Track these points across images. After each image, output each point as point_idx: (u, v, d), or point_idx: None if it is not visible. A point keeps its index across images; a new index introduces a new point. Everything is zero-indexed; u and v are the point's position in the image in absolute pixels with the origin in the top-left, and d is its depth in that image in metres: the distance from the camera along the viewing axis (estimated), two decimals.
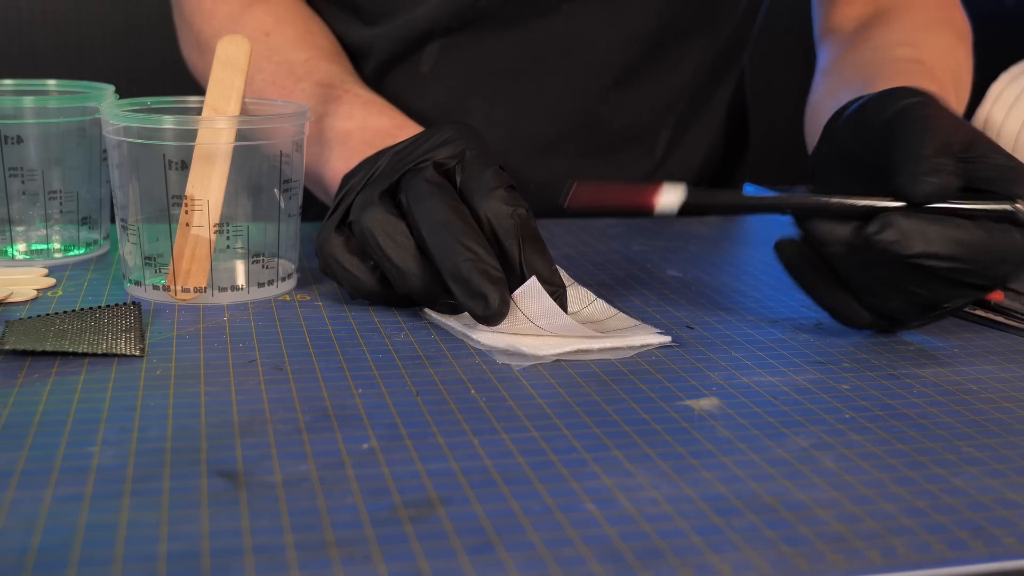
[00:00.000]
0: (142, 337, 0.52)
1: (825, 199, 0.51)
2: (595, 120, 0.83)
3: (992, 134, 0.80)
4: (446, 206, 0.53)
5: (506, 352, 0.52)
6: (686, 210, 0.44)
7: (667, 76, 0.83)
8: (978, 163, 0.52)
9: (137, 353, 0.50)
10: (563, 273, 0.61)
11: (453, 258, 0.51)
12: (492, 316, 0.51)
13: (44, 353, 0.50)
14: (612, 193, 0.40)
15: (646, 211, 0.40)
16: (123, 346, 0.51)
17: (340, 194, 0.58)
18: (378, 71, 0.82)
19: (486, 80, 0.81)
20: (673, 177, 0.83)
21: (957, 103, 0.74)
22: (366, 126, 0.68)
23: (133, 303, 0.57)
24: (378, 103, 0.70)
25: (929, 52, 0.75)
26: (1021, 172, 0.52)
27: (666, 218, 0.42)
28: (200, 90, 0.66)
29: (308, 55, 0.75)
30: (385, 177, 0.56)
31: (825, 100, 0.77)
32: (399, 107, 0.74)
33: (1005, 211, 0.50)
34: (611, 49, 0.81)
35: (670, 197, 0.39)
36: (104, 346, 0.50)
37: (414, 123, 0.69)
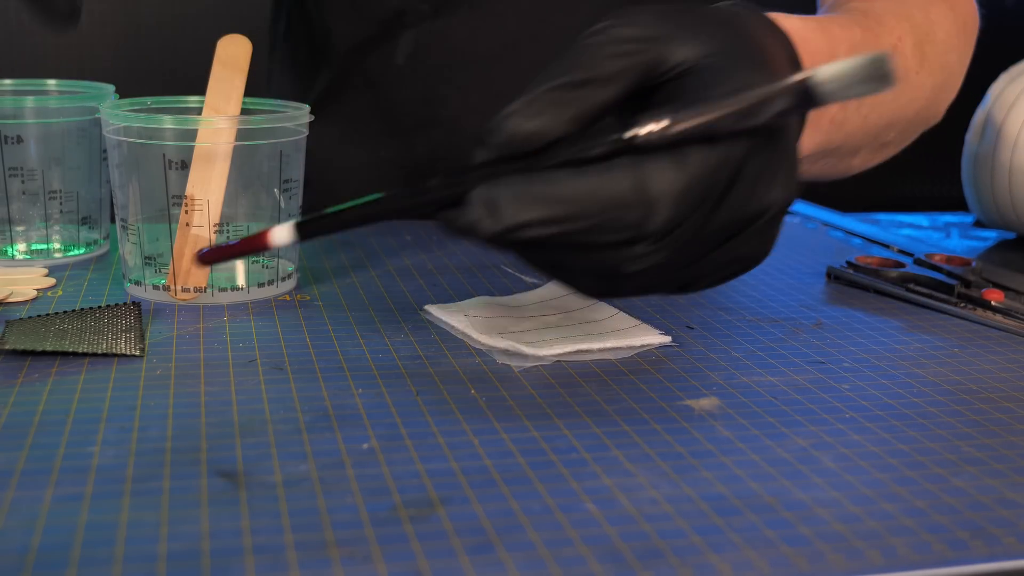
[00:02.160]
0: (142, 337, 0.52)
1: (410, 192, 0.41)
2: None
3: (992, 134, 0.80)
4: None
5: (506, 352, 0.52)
6: (305, 236, 0.42)
7: None
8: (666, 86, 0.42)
9: (137, 353, 0.50)
10: None
11: None
12: None
13: (44, 353, 0.50)
14: (235, 247, 0.44)
15: (266, 248, 0.42)
16: (123, 346, 0.51)
17: None
18: (351, 55, 0.82)
19: (461, 69, 0.81)
20: None
21: (919, 62, 0.62)
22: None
23: (133, 303, 0.57)
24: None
25: (881, 3, 0.63)
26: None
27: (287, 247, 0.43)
28: (201, 89, 0.66)
29: None
30: None
31: None
32: (374, 97, 0.73)
33: (618, 141, 0.39)
34: (581, 30, 0.80)
35: (281, 232, 0.41)
36: (104, 346, 0.50)
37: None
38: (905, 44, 0.61)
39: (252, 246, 0.43)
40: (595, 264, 0.41)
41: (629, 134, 0.39)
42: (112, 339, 0.51)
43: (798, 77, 0.38)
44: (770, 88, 0.39)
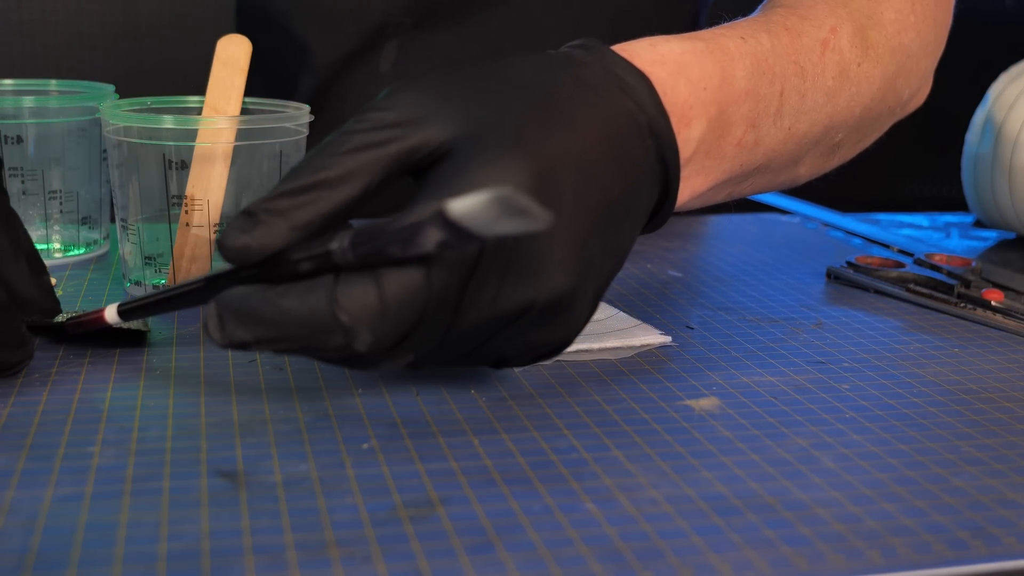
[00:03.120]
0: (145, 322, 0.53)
1: (172, 290, 0.43)
2: None
3: (992, 134, 0.80)
4: None
5: None
6: (126, 315, 0.48)
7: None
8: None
9: (143, 327, 0.51)
10: None
11: None
12: None
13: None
14: (85, 323, 0.50)
15: (105, 326, 0.48)
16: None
17: None
18: (333, 67, 0.82)
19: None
20: None
21: (862, 53, 0.55)
22: None
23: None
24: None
25: None
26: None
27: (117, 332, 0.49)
28: (201, 89, 0.66)
29: None
30: None
31: None
32: (356, 107, 0.72)
33: (323, 254, 0.37)
34: (566, 38, 0.80)
35: (111, 311, 0.48)
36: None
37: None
38: (840, 35, 0.55)
39: (96, 323, 0.49)
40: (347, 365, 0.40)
41: (328, 249, 0.37)
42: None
43: (439, 210, 0.34)
44: (414, 221, 0.35)
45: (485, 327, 0.39)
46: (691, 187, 0.49)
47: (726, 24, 0.53)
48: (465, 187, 0.37)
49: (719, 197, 0.54)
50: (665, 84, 0.45)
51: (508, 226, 0.33)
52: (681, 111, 0.46)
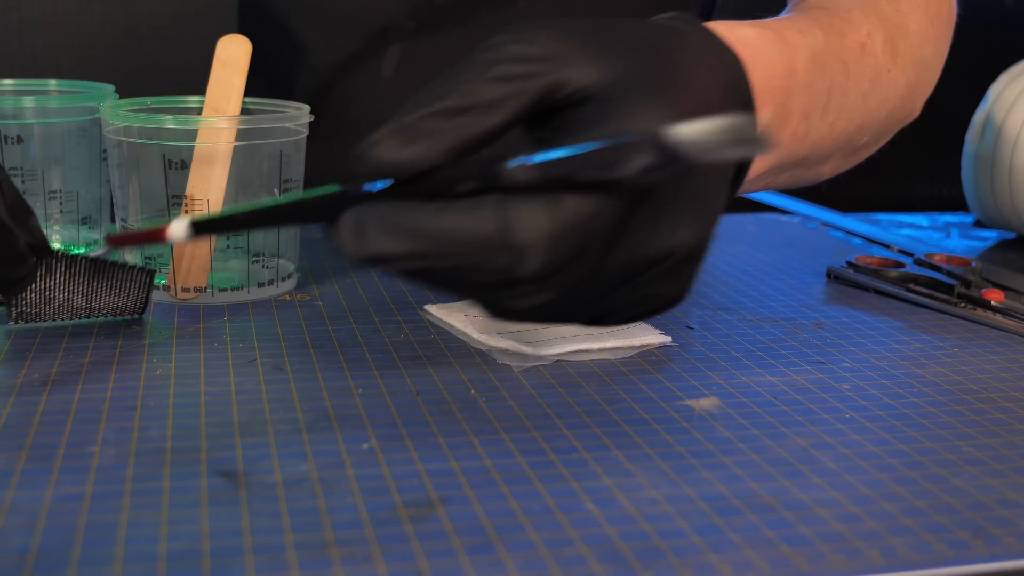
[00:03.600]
0: (147, 300, 0.54)
1: (295, 204, 0.39)
2: None
3: (992, 134, 0.80)
4: None
5: (506, 352, 0.52)
6: (199, 233, 0.40)
7: None
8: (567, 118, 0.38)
9: (137, 315, 0.53)
10: None
11: None
12: None
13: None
14: (138, 235, 0.46)
15: (162, 240, 0.40)
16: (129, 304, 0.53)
17: None
18: (334, 69, 0.82)
19: None
20: None
21: (892, 59, 0.58)
22: None
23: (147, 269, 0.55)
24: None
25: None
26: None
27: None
28: (201, 89, 0.66)
29: None
30: None
31: None
32: (359, 110, 0.72)
33: (486, 176, 0.36)
34: None
35: (177, 228, 0.40)
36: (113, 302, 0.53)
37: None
38: (875, 41, 0.57)
39: (152, 238, 0.42)
40: (477, 298, 0.38)
41: (497, 170, 0.35)
42: (118, 298, 0.53)
43: (655, 134, 0.33)
44: (625, 143, 0.34)
45: (626, 271, 0.38)
46: (751, 170, 0.49)
47: (781, 17, 0.54)
48: (618, 129, 0.36)
49: (758, 186, 0.54)
50: (746, 66, 0.45)
51: (728, 153, 0.33)
52: (756, 94, 0.46)
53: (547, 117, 0.39)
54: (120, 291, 0.53)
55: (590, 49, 0.39)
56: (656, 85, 0.39)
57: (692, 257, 0.39)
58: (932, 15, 0.62)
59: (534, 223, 0.35)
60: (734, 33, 0.47)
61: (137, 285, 0.54)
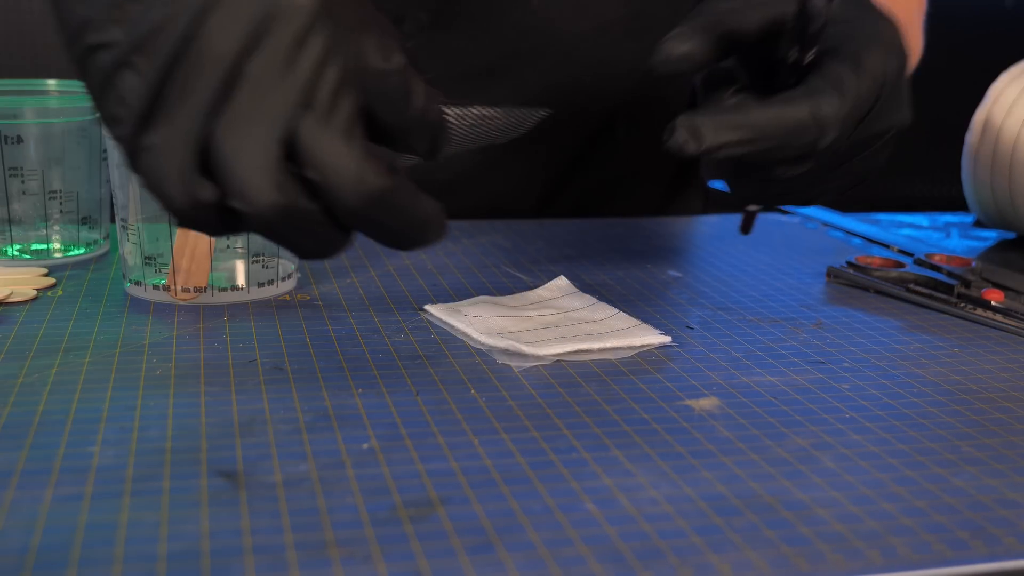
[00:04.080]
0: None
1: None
2: (567, 113, 0.83)
3: (992, 134, 0.80)
4: None
5: (506, 352, 0.52)
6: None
7: (639, 63, 0.83)
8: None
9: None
10: (565, 282, 0.61)
11: None
12: None
13: None
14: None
15: None
16: None
17: None
18: None
19: (461, 81, 0.81)
20: (639, 159, 0.84)
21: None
22: None
23: None
24: None
25: None
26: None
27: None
28: None
29: None
30: None
31: None
32: None
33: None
34: (583, 41, 0.81)
35: None
36: None
37: None
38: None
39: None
40: (763, 173, 0.52)
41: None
42: None
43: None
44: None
45: (860, 144, 0.52)
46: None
47: None
48: (857, 43, 0.50)
49: None
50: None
51: None
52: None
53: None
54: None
55: None
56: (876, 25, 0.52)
57: (897, 135, 0.54)
58: (920, 20, 0.75)
59: (833, 108, 0.48)
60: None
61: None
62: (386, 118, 0.41)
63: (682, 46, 0.49)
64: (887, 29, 0.51)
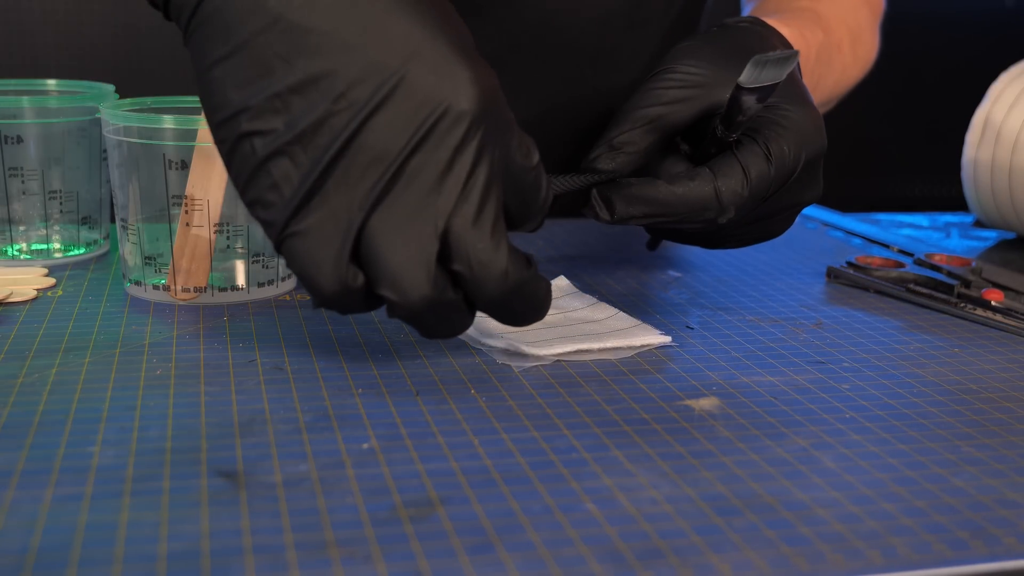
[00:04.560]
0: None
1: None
2: (571, 102, 0.83)
3: (992, 134, 0.80)
4: None
5: (506, 352, 0.52)
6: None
7: (640, 53, 0.83)
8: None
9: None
10: (565, 282, 0.61)
11: None
12: None
13: None
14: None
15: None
16: None
17: None
18: None
19: None
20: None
21: (853, 58, 0.77)
22: None
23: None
24: None
25: (827, 5, 0.76)
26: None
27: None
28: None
29: None
30: None
31: None
32: None
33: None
34: (584, 32, 0.81)
35: None
36: None
37: None
38: (844, 43, 0.75)
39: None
40: (682, 238, 0.58)
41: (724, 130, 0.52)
42: None
43: (738, 90, 0.51)
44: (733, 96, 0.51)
45: (767, 214, 0.55)
46: None
47: (794, 15, 0.72)
48: (777, 131, 0.54)
49: None
50: None
51: (780, 72, 0.50)
52: None
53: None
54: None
55: (730, 73, 0.53)
56: (785, 85, 0.54)
57: (802, 207, 0.57)
58: (874, 20, 0.82)
59: (736, 191, 0.52)
60: (782, 31, 0.61)
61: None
62: (518, 209, 0.46)
63: (630, 148, 0.54)
64: (808, 119, 0.54)
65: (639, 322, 0.56)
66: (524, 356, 0.51)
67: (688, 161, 0.56)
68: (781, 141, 0.53)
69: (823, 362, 0.53)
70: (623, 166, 0.53)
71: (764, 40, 0.58)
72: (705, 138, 0.54)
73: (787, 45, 0.60)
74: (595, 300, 0.59)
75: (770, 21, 0.62)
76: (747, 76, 0.50)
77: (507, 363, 0.51)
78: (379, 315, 0.57)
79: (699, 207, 0.52)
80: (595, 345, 0.52)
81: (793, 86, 0.56)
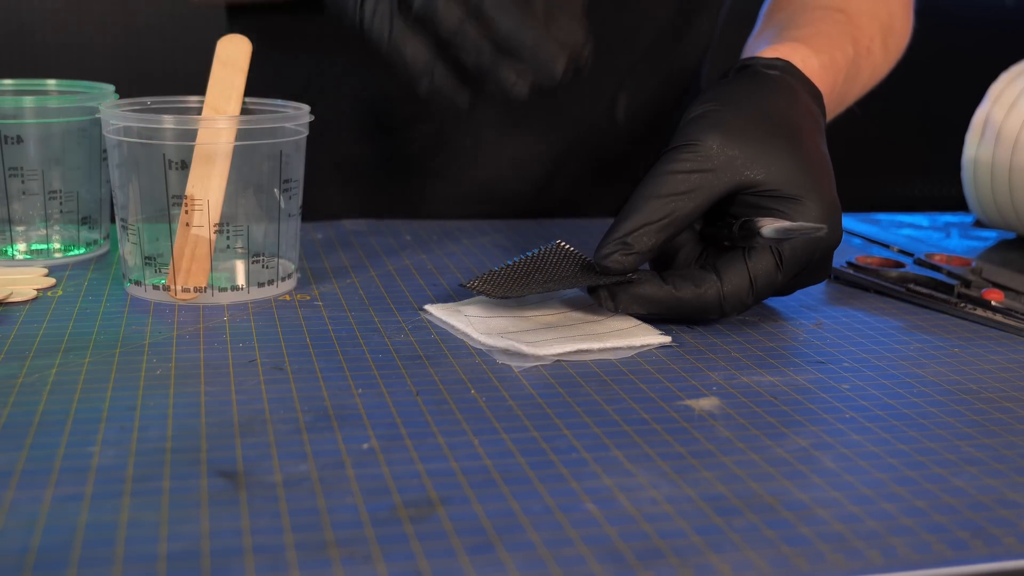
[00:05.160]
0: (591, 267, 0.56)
1: (565, 282, 0.56)
2: (564, 92, 0.83)
3: (992, 134, 0.80)
4: None
5: (506, 352, 0.52)
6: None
7: (635, 38, 0.83)
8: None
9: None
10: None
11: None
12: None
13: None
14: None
15: None
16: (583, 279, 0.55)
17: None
18: (336, 50, 0.82)
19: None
20: (625, 128, 0.86)
21: (883, 55, 0.77)
22: None
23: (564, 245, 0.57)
24: None
25: (860, 3, 0.76)
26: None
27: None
28: (201, 89, 0.66)
29: None
30: None
31: (750, 43, 0.78)
32: (364, 91, 0.76)
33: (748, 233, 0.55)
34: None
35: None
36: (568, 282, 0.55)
37: None
38: (875, 43, 0.75)
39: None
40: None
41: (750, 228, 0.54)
42: (572, 277, 0.56)
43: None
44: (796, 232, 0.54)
45: (783, 283, 0.57)
46: None
47: (823, 23, 0.72)
48: (793, 215, 0.55)
49: None
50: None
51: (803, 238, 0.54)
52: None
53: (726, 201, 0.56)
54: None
55: (752, 151, 0.56)
56: (804, 184, 0.56)
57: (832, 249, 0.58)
58: (908, 7, 0.81)
59: (740, 301, 0.55)
60: (809, 65, 0.63)
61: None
62: None
63: (643, 247, 0.54)
64: (827, 218, 0.55)
65: (639, 322, 0.56)
66: (524, 356, 0.51)
67: (697, 240, 0.58)
68: (796, 246, 0.55)
69: (823, 362, 0.53)
70: (633, 266, 0.55)
71: (794, 98, 0.59)
72: (718, 221, 0.57)
73: (817, 97, 0.61)
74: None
75: (798, 47, 0.64)
76: (770, 233, 0.52)
77: (507, 363, 0.51)
78: (379, 315, 0.57)
79: (701, 310, 0.55)
80: (595, 345, 0.52)
81: (817, 171, 0.56)
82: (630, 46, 0.84)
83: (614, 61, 0.83)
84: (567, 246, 0.56)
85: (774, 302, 0.62)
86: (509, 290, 0.55)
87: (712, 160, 0.55)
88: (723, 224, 0.57)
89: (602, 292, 0.55)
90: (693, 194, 0.55)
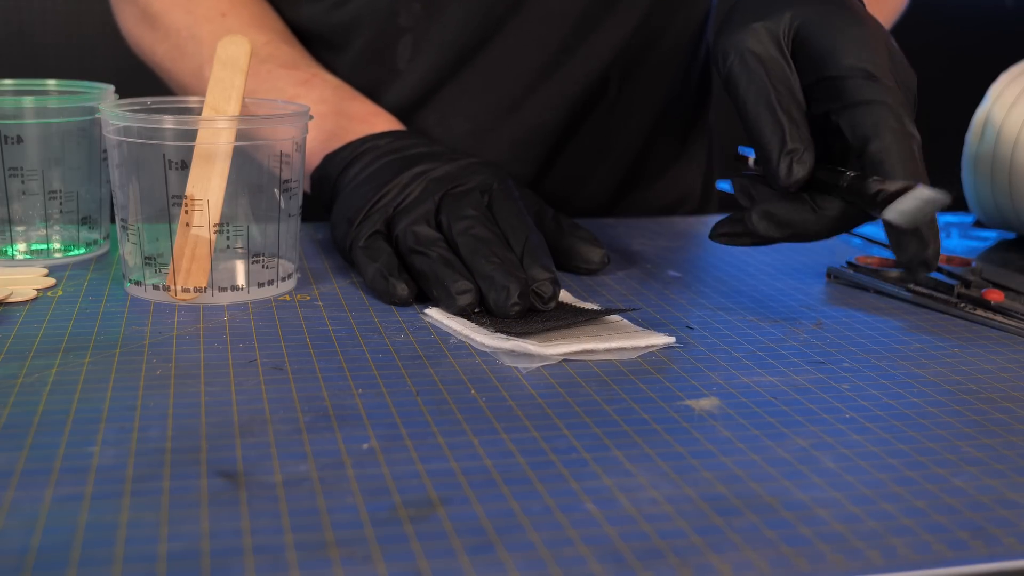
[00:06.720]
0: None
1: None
2: (556, 71, 0.83)
3: (992, 134, 0.80)
4: (482, 225, 0.60)
5: (512, 353, 0.52)
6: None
7: (628, 18, 0.83)
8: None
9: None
10: (566, 295, 0.61)
11: (483, 264, 0.57)
12: (512, 306, 0.55)
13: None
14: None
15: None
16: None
17: (366, 204, 0.63)
18: (353, 63, 0.82)
19: (456, 60, 0.81)
20: (632, 118, 0.86)
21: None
22: (340, 111, 0.73)
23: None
24: (347, 89, 0.76)
25: None
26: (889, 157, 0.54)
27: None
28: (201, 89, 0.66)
29: (268, 37, 0.78)
30: (428, 198, 0.62)
31: None
32: (373, 99, 0.76)
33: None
34: (573, 24, 0.82)
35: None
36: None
37: (385, 111, 0.75)
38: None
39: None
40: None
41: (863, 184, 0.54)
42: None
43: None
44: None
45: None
46: None
47: None
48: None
49: None
50: None
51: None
52: None
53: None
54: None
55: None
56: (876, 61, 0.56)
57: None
58: None
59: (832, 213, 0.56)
60: None
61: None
62: None
63: (802, 170, 0.55)
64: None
65: (642, 328, 0.56)
66: (531, 356, 0.51)
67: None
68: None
69: (823, 362, 0.53)
70: (811, 164, 0.55)
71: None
72: (827, 166, 0.56)
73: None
74: (598, 306, 0.59)
75: None
76: (894, 218, 0.52)
77: (513, 365, 0.51)
78: (378, 315, 0.57)
79: (828, 228, 0.56)
80: (601, 345, 0.52)
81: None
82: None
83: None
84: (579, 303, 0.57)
85: (774, 302, 0.62)
86: (530, 327, 0.55)
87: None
88: (832, 172, 0.56)
89: (753, 215, 0.56)
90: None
